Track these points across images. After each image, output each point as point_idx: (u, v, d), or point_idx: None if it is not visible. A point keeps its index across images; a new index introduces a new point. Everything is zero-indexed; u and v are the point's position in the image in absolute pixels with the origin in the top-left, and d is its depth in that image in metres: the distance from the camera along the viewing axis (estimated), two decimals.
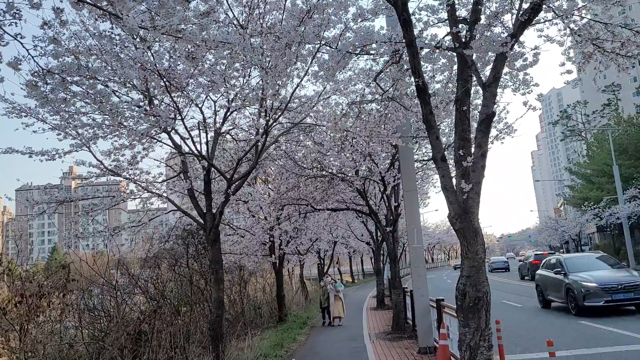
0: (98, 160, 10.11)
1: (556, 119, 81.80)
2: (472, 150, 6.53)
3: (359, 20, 7.58)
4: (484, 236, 7.33)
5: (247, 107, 11.25)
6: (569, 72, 7.40)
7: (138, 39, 8.12)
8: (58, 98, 6.70)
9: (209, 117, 10.84)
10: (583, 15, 7.02)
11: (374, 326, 16.60)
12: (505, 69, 6.84)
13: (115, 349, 8.61)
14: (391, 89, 8.64)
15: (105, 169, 10.27)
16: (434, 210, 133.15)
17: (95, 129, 9.32)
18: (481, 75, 6.82)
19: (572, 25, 7.00)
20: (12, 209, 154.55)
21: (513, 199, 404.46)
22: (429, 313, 11.21)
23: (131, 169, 10.65)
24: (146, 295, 11.42)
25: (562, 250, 65.78)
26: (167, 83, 8.60)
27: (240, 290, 17.65)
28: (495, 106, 6.68)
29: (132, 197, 11.49)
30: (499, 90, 6.87)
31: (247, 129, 13.56)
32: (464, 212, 6.29)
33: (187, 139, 10.64)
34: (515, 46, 6.46)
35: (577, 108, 74.63)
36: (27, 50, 4.41)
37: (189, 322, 11.35)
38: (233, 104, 10.39)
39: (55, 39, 4.95)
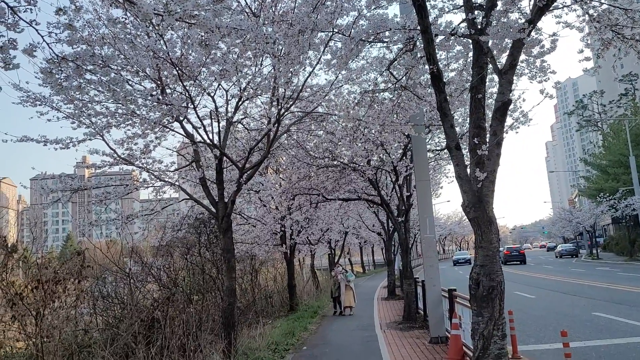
0: (111, 149, 10.15)
1: (572, 109, 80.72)
2: (487, 138, 6.45)
3: (373, 7, 7.49)
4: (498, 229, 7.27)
5: (259, 96, 11.22)
6: (587, 59, 7.27)
7: (150, 27, 8.12)
8: (72, 86, 6.72)
9: (221, 106, 10.84)
10: (602, 0, 6.88)
11: (385, 316, 16.61)
12: (522, 56, 6.73)
13: (129, 335, 8.70)
14: (404, 77, 8.56)
15: (118, 158, 10.31)
16: (446, 202, 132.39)
17: (109, 117, 9.35)
18: (497, 63, 6.72)
19: (591, 11, 6.87)
20: (27, 197, 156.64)
21: (526, 190, 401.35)
22: (440, 303, 11.18)
23: (144, 158, 10.68)
24: (159, 283, 11.50)
25: (574, 241, 65.21)
26: (179, 71, 8.58)
27: (251, 280, 17.72)
28: (511, 94, 6.59)
29: (145, 185, 11.54)
30: (514, 78, 6.77)
31: (258, 118, 13.54)
32: (478, 200, 6.23)
33: (199, 128, 10.64)
34: (533, 33, 6.34)
35: (594, 98, 73.59)
36: (42, 37, 4.41)
37: (201, 310, 11.41)
38: (245, 93, 10.36)
39: (70, 25, 4.95)
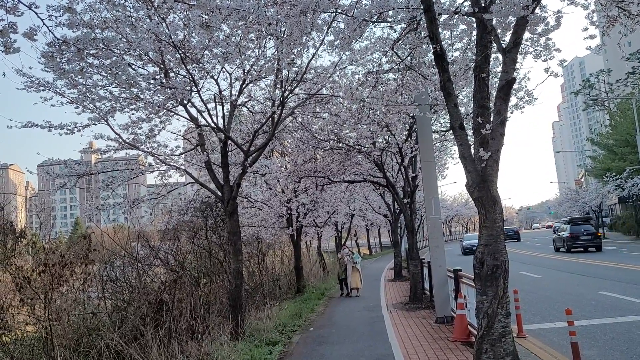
0: (116, 133, 10.18)
1: (578, 88, 79.81)
2: (491, 118, 6.41)
3: None
4: (503, 208, 7.27)
5: (263, 79, 11.18)
6: (592, 37, 7.15)
7: (152, 10, 8.08)
8: (74, 69, 6.71)
9: (225, 89, 10.82)
10: None
11: (391, 297, 16.72)
12: (526, 35, 6.65)
13: (137, 317, 8.81)
14: (409, 57, 8.49)
15: (123, 142, 10.35)
16: (452, 183, 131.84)
17: (113, 102, 9.36)
18: (501, 41, 6.65)
19: None
20: (34, 184, 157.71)
21: (533, 170, 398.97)
22: (446, 283, 11.24)
23: (149, 142, 10.71)
24: (166, 266, 11.60)
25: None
26: (182, 55, 8.55)
27: (258, 262, 17.84)
28: (515, 73, 6.53)
29: (151, 169, 11.59)
30: (519, 57, 6.70)
31: (263, 101, 13.50)
32: (482, 180, 6.22)
33: (204, 111, 10.65)
34: (537, 10, 6.25)
35: (600, 76, 72.64)
36: (42, 20, 4.40)
37: (208, 293, 11.52)
38: (249, 76, 10.32)
39: (70, 8, 4.93)
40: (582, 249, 31.16)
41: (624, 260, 22.92)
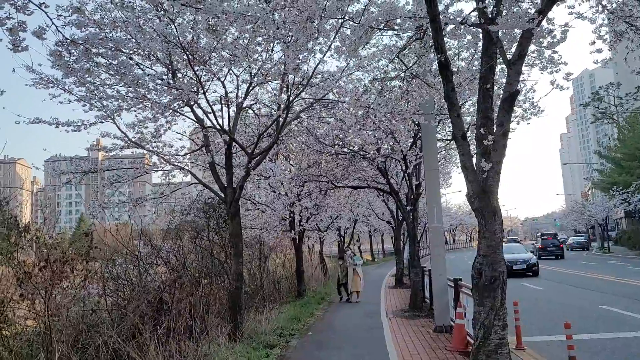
0: (122, 132, 10.24)
1: (588, 101, 79.54)
2: (494, 129, 6.42)
3: None
4: (509, 219, 7.29)
5: (269, 82, 11.23)
6: (599, 51, 7.17)
7: (162, 12, 8.15)
8: (82, 68, 6.77)
9: (231, 92, 10.87)
10: None
11: (391, 304, 16.69)
12: (533, 47, 6.67)
13: (137, 316, 8.83)
14: (415, 65, 8.52)
15: (129, 141, 10.41)
16: (457, 191, 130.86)
17: (120, 101, 9.42)
18: (507, 53, 6.67)
19: (604, 2, 6.77)
20: (41, 179, 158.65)
21: (539, 181, 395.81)
22: (446, 292, 11.22)
23: (154, 142, 10.77)
24: (167, 265, 11.62)
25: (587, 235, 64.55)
26: (189, 56, 8.60)
27: (259, 265, 17.82)
28: (521, 85, 6.55)
29: (155, 169, 11.65)
30: (526, 69, 6.74)
31: (269, 104, 13.55)
32: (482, 191, 6.23)
33: (210, 113, 10.69)
34: (545, 23, 6.27)
35: (610, 90, 72.40)
36: (51, 19, 4.46)
37: (208, 294, 11.51)
38: (255, 79, 10.37)
39: (79, 9, 4.99)
40: (552, 257, 41.21)
41: (627, 275, 22.80)
